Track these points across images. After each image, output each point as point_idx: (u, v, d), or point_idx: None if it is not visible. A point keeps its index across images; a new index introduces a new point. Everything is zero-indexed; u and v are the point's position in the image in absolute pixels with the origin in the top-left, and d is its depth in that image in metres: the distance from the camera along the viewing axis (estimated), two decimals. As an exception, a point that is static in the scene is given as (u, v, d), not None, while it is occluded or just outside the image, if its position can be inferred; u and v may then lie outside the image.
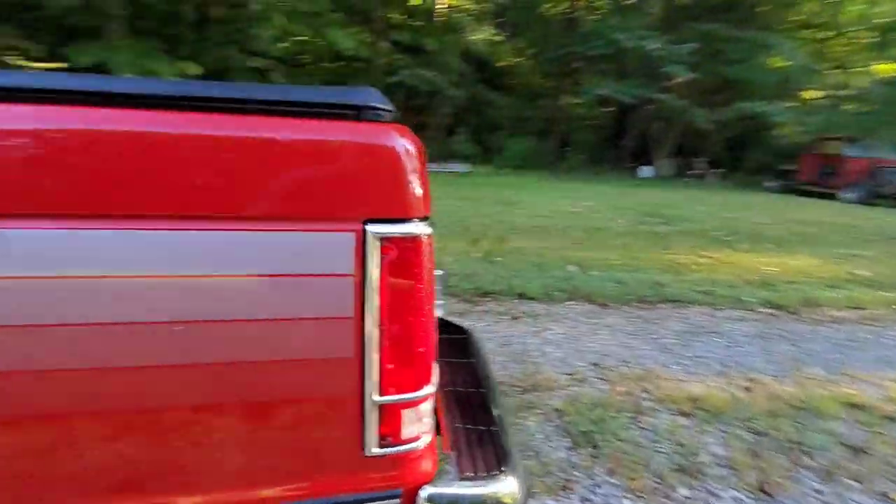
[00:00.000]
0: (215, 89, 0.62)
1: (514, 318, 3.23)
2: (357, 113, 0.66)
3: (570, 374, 2.48)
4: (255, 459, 0.68)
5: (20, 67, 10.29)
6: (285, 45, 10.74)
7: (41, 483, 0.59)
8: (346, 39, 10.60)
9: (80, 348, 0.58)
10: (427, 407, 0.76)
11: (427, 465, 0.79)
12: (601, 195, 10.04)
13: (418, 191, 0.68)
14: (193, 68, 9.59)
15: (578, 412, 2.08)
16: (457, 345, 1.30)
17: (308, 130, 0.62)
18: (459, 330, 1.38)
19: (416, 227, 0.67)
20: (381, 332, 0.67)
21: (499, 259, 4.63)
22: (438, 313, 1.78)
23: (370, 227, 0.64)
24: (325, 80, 13.65)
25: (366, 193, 0.64)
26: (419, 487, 0.75)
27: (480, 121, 15.47)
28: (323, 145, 0.63)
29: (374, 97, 0.66)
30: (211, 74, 10.54)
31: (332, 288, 0.64)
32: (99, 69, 9.05)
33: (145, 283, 0.59)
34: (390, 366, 0.69)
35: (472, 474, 0.78)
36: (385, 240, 0.65)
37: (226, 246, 0.61)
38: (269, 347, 0.64)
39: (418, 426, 0.75)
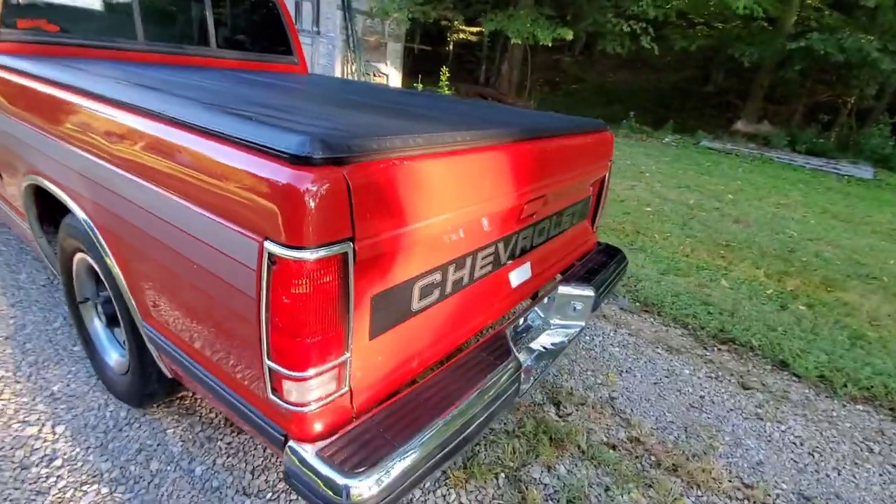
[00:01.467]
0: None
1: (743, 387, 2.53)
2: (289, 156, 0.86)
3: (747, 486, 1.88)
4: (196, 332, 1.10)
5: (454, 32, 13.40)
6: (667, 6, 9.97)
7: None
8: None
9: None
10: (310, 386, 0.96)
11: (317, 427, 1.01)
12: None
13: (312, 224, 0.84)
14: (568, 34, 10.28)
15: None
16: (490, 360, 1.33)
17: (246, 162, 0.89)
18: (503, 354, 1.37)
19: (300, 253, 0.85)
20: (269, 317, 0.91)
21: (800, 308, 3.49)
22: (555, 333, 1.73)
23: (266, 244, 0.87)
24: (709, 44, 12.05)
25: (270, 218, 0.86)
26: (293, 438, 0.99)
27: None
28: (252, 176, 0.88)
29: (309, 145, 0.85)
30: (586, 38, 10.98)
31: (244, 270, 0.92)
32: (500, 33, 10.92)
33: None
34: (276, 344, 0.93)
35: (330, 456, 0.94)
36: (273, 255, 0.86)
37: (188, 214, 1.01)
38: (209, 276, 1.02)
39: (304, 396, 0.97)
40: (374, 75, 10.78)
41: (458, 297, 1.38)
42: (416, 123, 1.38)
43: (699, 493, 1.81)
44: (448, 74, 10.98)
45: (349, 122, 1.26)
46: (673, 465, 1.92)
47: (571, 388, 2.30)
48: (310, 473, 0.94)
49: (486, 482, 1.70)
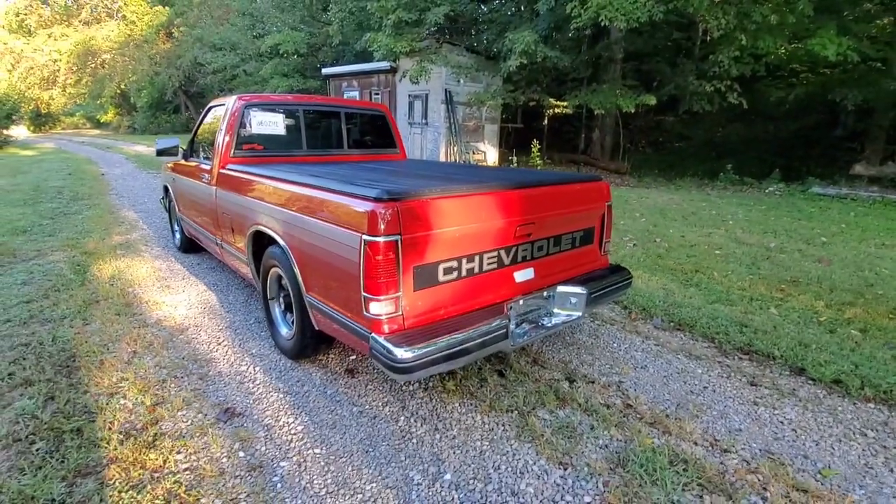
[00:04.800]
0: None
1: (751, 384, 2.94)
2: (373, 198, 1.98)
3: (716, 440, 2.39)
4: (331, 291, 2.21)
5: (548, 108, 14.80)
6: (749, 63, 10.24)
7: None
8: (830, 46, 8.94)
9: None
10: (384, 304, 2.00)
11: (384, 328, 2.04)
12: None
13: (381, 227, 1.93)
14: (651, 100, 10.97)
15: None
16: (488, 316, 2.25)
17: (356, 203, 2.03)
18: (498, 314, 2.28)
19: (377, 239, 1.93)
20: (364, 271, 1.99)
21: (851, 332, 3.63)
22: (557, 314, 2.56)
23: (363, 236, 1.97)
24: (808, 91, 11.76)
25: (364, 224, 1.97)
26: (373, 333, 2.03)
27: None
28: (358, 208, 2.01)
29: (381, 193, 1.97)
30: (668, 102, 11.62)
31: (354, 249, 2.02)
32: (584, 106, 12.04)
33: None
34: (366, 283, 2.00)
35: (390, 341, 1.95)
36: (366, 241, 1.95)
37: (330, 229, 2.14)
38: (338, 257, 2.13)
39: (381, 310, 2.01)
40: (473, 153, 12.43)
41: (471, 279, 2.35)
42: (443, 182, 2.46)
43: (668, 438, 2.39)
44: (539, 147, 12.22)
45: (407, 184, 2.39)
46: (654, 420, 2.52)
47: (587, 373, 2.99)
48: (380, 347, 1.96)
49: (502, 413, 2.52)
